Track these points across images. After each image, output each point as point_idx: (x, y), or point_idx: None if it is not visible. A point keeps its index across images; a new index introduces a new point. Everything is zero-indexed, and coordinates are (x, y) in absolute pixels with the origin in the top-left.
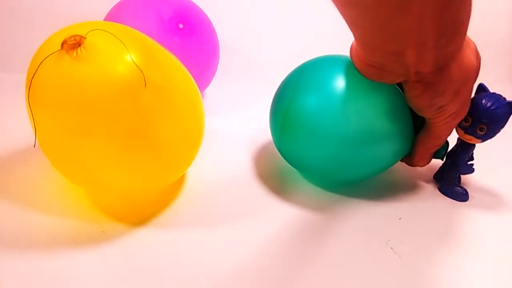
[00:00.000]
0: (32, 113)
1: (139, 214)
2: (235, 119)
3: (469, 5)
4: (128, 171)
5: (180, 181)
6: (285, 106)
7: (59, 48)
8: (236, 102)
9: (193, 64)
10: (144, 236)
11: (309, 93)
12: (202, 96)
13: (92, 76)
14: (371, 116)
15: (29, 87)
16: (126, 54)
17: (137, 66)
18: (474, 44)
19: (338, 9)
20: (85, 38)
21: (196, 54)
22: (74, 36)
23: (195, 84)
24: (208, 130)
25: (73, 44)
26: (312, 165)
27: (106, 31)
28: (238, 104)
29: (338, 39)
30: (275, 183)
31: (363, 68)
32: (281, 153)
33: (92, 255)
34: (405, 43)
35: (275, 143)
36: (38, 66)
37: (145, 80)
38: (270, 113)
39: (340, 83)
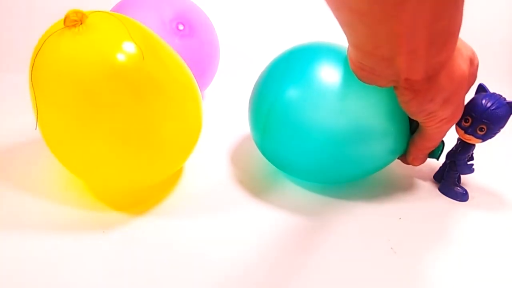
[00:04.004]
0: (34, 92)
1: (137, 206)
2: (235, 119)
3: (460, 16)
4: (126, 161)
5: (176, 180)
6: (270, 100)
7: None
8: (236, 102)
9: (193, 65)
10: (140, 228)
11: (298, 86)
12: (202, 96)
13: (92, 54)
14: (369, 114)
15: (32, 66)
16: (126, 34)
17: (135, 42)
18: (469, 52)
19: (332, 11)
20: (87, 16)
21: (197, 56)
22: (76, 12)
23: (193, 78)
24: (208, 130)
25: (74, 20)
26: (302, 166)
27: (108, 13)
28: (238, 104)
29: (340, 39)
30: (276, 184)
31: (355, 70)
32: (264, 154)
33: (89, 247)
34: (396, 50)
35: (256, 143)
36: (42, 45)
37: (142, 54)
38: (250, 108)
39: (336, 76)
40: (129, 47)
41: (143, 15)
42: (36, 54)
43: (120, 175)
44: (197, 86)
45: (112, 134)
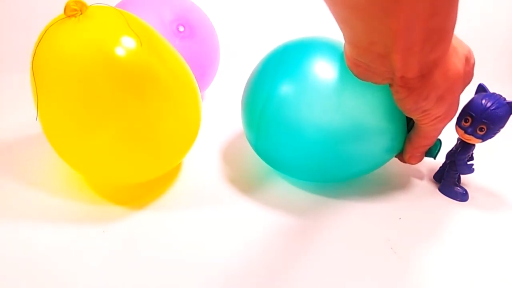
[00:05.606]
0: (34, 81)
1: (130, 203)
2: (235, 120)
3: (455, 14)
4: (125, 156)
5: (173, 176)
6: (263, 98)
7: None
8: (236, 103)
9: (194, 67)
10: (139, 221)
11: (293, 83)
12: (202, 97)
13: (91, 43)
14: (365, 111)
15: (34, 56)
16: (125, 25)
17: (133, 30)
18: (465, 51)
19: (329, 7)
20: (87, 6)
21: (197, 57)
22: (76, 1)
23: (192, 74)
24: (208, 130)
25: (74, 9)
26: (297, 165)
27: (109, 6)
28: (238, 105)
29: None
30: (271, 183)
31: (351, 67)
32: (258, 153)
33: (89, 241)
34: (391, 46)
35: (250, 142)
36: (43, 35)
37: (140, 41)
38: (243, 106)
39: (331, 72)
40: (128, 38)
41: (143, 16)
42: (38, 44)
43: (119, 170)
44: (196, 82)
45: (112, 129)
